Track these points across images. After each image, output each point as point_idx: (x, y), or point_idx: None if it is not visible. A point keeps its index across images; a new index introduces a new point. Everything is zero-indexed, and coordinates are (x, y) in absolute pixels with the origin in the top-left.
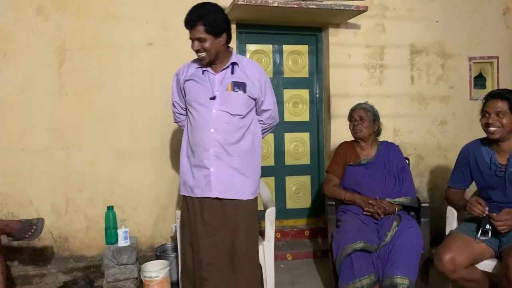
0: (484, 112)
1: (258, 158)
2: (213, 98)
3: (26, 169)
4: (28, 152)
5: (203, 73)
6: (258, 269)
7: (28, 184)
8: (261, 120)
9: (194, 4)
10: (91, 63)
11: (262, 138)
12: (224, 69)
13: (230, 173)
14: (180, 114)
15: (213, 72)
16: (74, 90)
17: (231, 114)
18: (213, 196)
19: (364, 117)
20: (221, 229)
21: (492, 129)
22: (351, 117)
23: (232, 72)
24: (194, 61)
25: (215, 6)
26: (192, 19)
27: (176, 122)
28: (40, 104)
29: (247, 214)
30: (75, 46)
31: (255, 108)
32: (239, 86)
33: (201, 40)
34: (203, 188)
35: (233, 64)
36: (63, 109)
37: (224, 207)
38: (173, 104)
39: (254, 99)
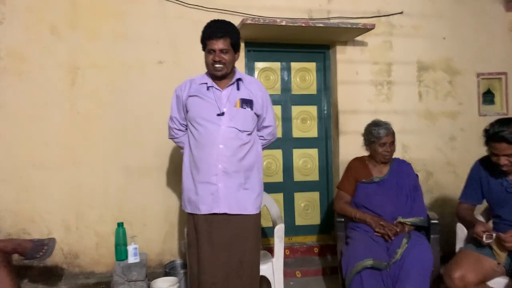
0: (492, 152)
1: (261, 173)
2: (221, 114)
3: (37, 185)
4: (39, 168)
5: (208, 89)
6: (258, 283)
7: (39, 200)
8: (262, 136)
9: (202, 24)
10: (102, 81)
11: None
12: (230, 85)
13: (238, 188)
14: (178, 130)
15: (219, 88)
16: (85, 108)
17: (240, 130)
18: (221, 212)
19: (393, 142)
20: (230, 246)
21: (505, 168)
22: (378, 140)
23: (238, 89)
24: (197, 77)
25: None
26: (223, 31)
27: (171, 138)
28: (52, 121)
29: (253, 228)
30: (86, 65)
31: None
32: (247, 103)
33: (224, 51)
34: (210, 205)
35: (238, 80)
36: (74, 127)
37: (232, 223)
38: (171, 119)
39: (258, 116)
